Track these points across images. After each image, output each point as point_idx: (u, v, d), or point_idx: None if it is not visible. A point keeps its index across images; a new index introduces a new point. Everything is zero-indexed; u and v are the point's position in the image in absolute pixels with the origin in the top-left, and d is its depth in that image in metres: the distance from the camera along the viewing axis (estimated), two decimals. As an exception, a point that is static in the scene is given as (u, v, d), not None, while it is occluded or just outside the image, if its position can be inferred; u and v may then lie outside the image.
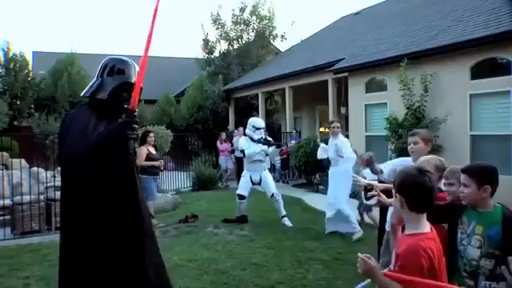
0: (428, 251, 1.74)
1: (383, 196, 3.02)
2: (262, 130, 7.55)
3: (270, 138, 7.62)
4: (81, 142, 2.45)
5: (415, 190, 1.85)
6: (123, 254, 2.54)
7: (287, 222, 7.13)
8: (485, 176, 2.26)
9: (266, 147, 7.37)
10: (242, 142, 7.69)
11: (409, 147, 3.57)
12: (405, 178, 1.91)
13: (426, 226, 1.87)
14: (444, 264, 1.89)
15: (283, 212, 7.24)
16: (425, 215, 1.88)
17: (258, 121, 7.73)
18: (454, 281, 2.29)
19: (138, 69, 2.85)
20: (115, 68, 2.77)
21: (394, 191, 1.94)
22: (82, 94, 2.81)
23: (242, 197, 7.31)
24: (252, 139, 7.39)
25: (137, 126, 2.47)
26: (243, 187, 7.40)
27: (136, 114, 2.48)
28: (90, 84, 2.79)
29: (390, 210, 3.46)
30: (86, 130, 2.52)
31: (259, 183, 7.45)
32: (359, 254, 1.82)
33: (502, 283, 2.17)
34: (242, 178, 7.65)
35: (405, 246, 1.80)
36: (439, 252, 1.83)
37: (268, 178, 7.50)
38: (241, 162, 12.77)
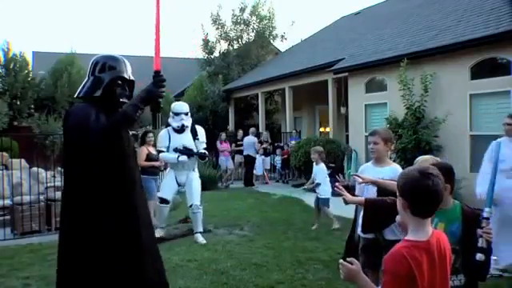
0: (409, 260, 1.65)
1: (348, 195, 3.10)
2: (184, 117, 6.06)
3: (203, 140, 6.17)
4: (108, 120, 2.54)
5: (417, 195, 1.75)
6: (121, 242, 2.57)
7: (200, 238, 5.95)
8: (443, 175, 2.30)
9: (184, 158, 5.91)
10: (159, 139, 6.17)
11: (369, 146, 3.60)
12: (406, 180, 1.79)
13: (426, 234, 1.76)
14: (442, 276, 1.76)
15: (199, 228, 6.05)
16: (428, 221, 1.78)
17: (176, 104, 6.30)
18: None
19: (128, 65, 2.87)
20: (106, 65, 2.78)
21: (397, 193, 1.87)
22: (75, 96, 2.80)
23: (164, 201, 6.11)
24: (175, 130, 6.04)
25: (165, 84, 2.67)
26: (166, 189, 6.16)
27: (161, 73, 2.65)
28: (83, 84, 2.79)
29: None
30: (98, 119, 2.54)
31: (184, 184, 6.18)
32: (340, 261, 1.77)
33: (461, 275, 2.29)
34: (164, 178, 6.51)
35: (391, 251, 1.75)
36: (433, 263, 1.71)
37: (194, 181, 6.11)
38: (251, 160, 12.82)
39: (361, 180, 3.30)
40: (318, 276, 4.57)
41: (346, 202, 3.94)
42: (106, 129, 2.49)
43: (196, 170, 6.26)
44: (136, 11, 72.89)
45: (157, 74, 2.64)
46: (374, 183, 3.27)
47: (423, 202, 1.75)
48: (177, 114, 6.03)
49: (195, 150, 6.05)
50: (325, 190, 6.96)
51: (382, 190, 3.21)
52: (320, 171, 7.09)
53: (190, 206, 6.03)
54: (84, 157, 2.54)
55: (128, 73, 2.83)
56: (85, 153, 2.53)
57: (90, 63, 2.82)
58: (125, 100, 2.78)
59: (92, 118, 2.49)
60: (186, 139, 5.98)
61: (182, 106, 6.19)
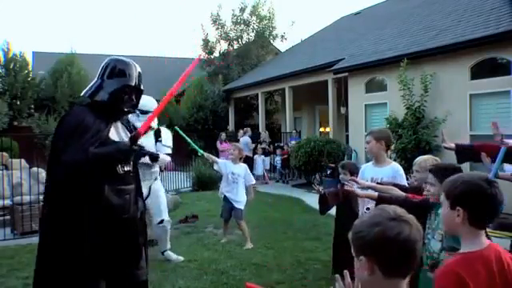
0: (462, 275, 1.53)
1: (359, 190, 3.08)
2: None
3: (169, 145, 5.14)
4: (82, 152, 2.47)
5: (482, 205, 1.62)
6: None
7: (173, 256, 5.17)
8: (446, 175, 2.29)
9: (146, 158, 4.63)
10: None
11: (366, 145, 3.70)
12: (471, 188, 1.65)
13: (482, 244, 1.65)
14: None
15: (167, 245, 5.19)
16: (483, 231, 1.68)
17: (143, 100, 3.82)
18: (420, 274, 2.41)
19: (139, 69, 2.85)
20: (116, 69, 2.77)
21: (446, 201, 1.74)
22: (81, 94, 2.81)
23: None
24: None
25: (135, 152, 2.63)
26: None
27: (139, 140, 2.62)
28: (91, 85, 2.79)
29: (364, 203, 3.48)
30: (84, 134, 2.53)
31: (146, 198, 4.50)
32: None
33: None
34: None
35: (443, 267, 1.65)
36: (492, 275, 1.58)
37: (159, 193, 5.13)
38: (247, 160, 12.77)
39: (357, 185, 3.30)
40: (318, 276, 4.57)
41: (323, 213, 4.06)
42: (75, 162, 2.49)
43: (158, 178, 5.25)
44: (136, 11, 72.91)
45: (135, 139, 2.62)
46: (370, 188, 3.26)
47: (486, 213, 1.65)
48: (144, 113, 4.59)
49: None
50: (244, 198, 5.83)
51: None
52: (245, 171, 5.86)
53: (160, 222, 5.04)
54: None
55: (137, 80, 2.82)
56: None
57: (102, 65, 2.81)
58: (130, 109, 2.80)
59: (75, 135, 2.51)
60: (147, 142, 4.56)
61: (151, 103, 4.81)
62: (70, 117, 2.66)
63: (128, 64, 2.81)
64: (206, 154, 6.05)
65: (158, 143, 5.05)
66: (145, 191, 4.37)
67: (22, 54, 18.45)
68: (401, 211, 1.32)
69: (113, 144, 2.65)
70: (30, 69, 19.25)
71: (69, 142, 2.50)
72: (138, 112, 4.48)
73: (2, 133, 14.22)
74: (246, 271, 4.71)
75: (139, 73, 2.85)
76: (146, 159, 4.62)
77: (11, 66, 17.95)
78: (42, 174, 8.28)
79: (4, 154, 9.29)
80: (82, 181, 2.52)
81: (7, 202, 7.31)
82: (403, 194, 2.96)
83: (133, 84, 2.78)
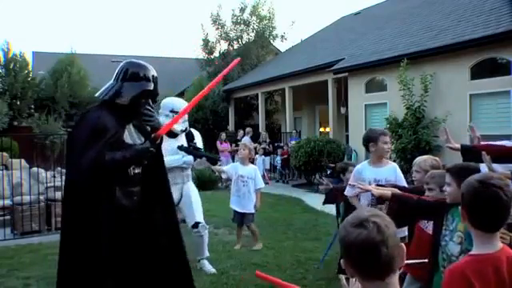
0: (468, 276, 1.52)
1: (374, 189, 3.00)
2: (186, 117, 4.62)
3: (200, 147, 4.76)
4: (99, 156, 2.52)
5: (475, 205, 1.62)
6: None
7: (207, 266, 4.75)
8: (463, 175, 2.24)
9: (189, 158, 4.61)
10: None
11: (385, 146, 3.56)
12: (466, 189, 1.66)
13: (492, 248, 1.61)
14: None
15: (204, 253, 4.77)
16: (494, 235, 1.63)
17: (180, 102, 4.73)
18: (436, 278, 2.35)
19: (154, 72, 2.86)
20: (134, 73, 2.78)
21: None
22: (96, 95, 2.82)
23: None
24: (172, 134, 4.38)
25: (151, 154, 2.72)
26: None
27: (158, 141, 2.73)
28: (107, 86, 2.80)
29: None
30: (102, 137, 2.56)
31: (178, 203, 4.56)
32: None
33: None
34: None
35: (451, 266, 1.66)
36: (502, 280, 1.55)
37: (192, 195, 4.75)
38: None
39: (361, 187, 3.21)
40: (318, 276, 4.57)
41: (325, 203, 4.07)
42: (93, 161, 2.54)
43: (191, 181, 4.98)
44: (136, 11, 72.93)
45: (154, 140, 2.71)
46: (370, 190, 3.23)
47: (482, 214, 1.62)
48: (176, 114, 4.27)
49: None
50: (253, 201, 5.63)
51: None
52: (254, 173, 5.67)
53: (194, 226, 4.62)
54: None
55: (153, 83, 2.84)
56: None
57: (119, 67, 2.83)
58: (146, 111, 2.83)
59: (92, 135, 2.56)
60: (180, 144, 4.60)
61: (184, 105, 4.61)
62: (88, 119, 2.68)
63: (145, 68, 2.83)
64: (212, 168, 6.01)
65: (195, 159, 4.82)
66: (176, 195, 4.32)
67: (22, 54, 18.46)
68: (368, 214, 1.30)
69: (128, 147, 2.70)
70: (30, 69, 19.26)
71: (86, 144, 2.54)
72: (170, 114, 4.47)
73: (2, 133, 14.22)
74: (246, 271, 4.70)
75: (155, 76, 2.87)
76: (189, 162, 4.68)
77: (11, 66, 17.96)
78: (42, 174, 8.29)
79: (4, 154, 9.29)
80: (97, 183, 2.56)
81: (7, 202, 7.30)
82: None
83: (151, 88, 2.81)
